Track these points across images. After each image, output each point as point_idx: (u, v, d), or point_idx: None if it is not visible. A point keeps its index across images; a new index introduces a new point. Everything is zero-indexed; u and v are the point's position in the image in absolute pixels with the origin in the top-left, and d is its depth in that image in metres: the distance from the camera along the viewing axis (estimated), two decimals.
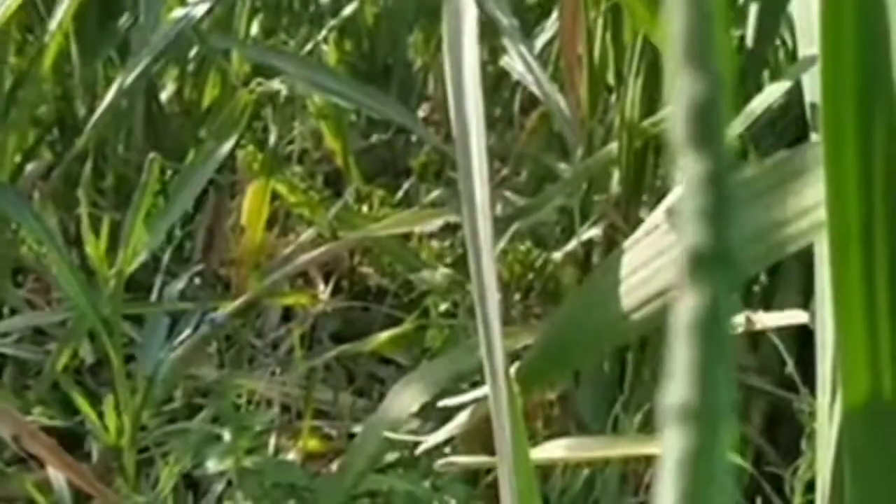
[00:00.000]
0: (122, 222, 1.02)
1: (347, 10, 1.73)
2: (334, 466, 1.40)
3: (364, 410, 1.49)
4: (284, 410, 1.51)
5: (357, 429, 1.33)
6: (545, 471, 1.25)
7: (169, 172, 1.65)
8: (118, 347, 1.02)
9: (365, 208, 1.64)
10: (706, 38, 0.24)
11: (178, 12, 1.35)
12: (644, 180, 1.35)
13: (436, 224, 1.29)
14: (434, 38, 1.91)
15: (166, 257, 1.44)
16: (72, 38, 1.48)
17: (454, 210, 1.32)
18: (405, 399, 1.16)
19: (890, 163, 0.40)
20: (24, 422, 0.99)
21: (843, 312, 0.42)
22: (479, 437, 1.44)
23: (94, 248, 0.99)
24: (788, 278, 1.45)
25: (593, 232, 1.38)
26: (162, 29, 1.36)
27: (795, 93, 1.45)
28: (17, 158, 1.47)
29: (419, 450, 0.72)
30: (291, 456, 1.41)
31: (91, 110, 1.43)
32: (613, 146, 1.34)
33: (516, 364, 0.62)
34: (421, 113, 1.92)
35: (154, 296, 1.30)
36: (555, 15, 1.62)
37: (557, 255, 1.40)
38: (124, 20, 1.53)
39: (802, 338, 1.44)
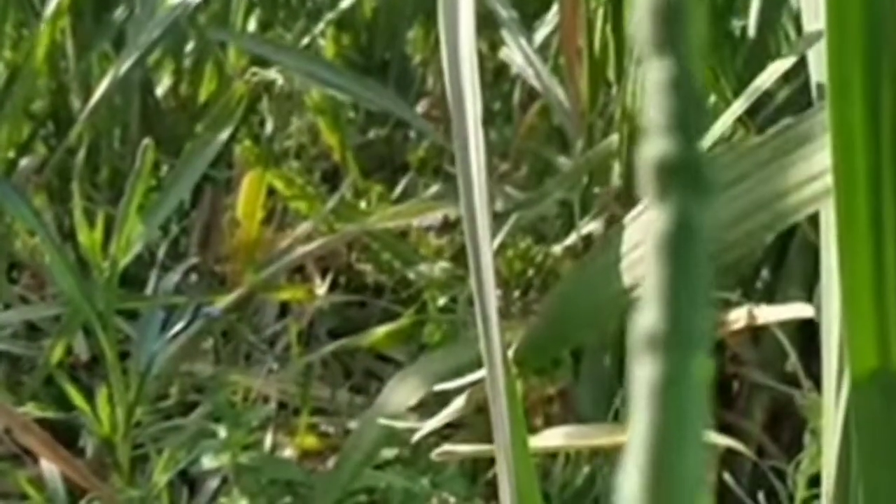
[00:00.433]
0: (116, 216, 1.01)
1: (345, 4, 1.72)
2: (331, 463, 1.39)
3: (361, 407, 1.48)
4: (281, 407, 1.49)
5: (354, 425, 1.32)
6: (545, 466, 1.23)
7: (165, 168, 1.64)
8: (112, 341, 1.00)
9: (363, 203, 1.62)
10: None
11: (175, 0, 1.34)
12: None
13: (434, 217, 1.27)
14: (433, 32, 1.89)
15: (161, 252, 1.42)
16: (67, 31, 1.47)
17: (453, 203, 1.31)
18: (402, 393, 1.15)
19: None
20: (17, 414, 0.98)
21: (850, 282, 0.41)
22: (480, 429, 1.43)
23: (87, 238, 0.97)
24: (791, 273, 1.43)
25: (593, 226, 1.37)
26: (158, 20, 1.35)
27: (799, 87, 1.44)
28: (11, 153, 1.46)
29: (415, 437, 0.71)
30: (288, 453, 1.40)
31: (86, 104, 1.41)
32: (614, 138, 1.32)
33: (514, 346, 0.60)
34: (420, 109, 1.90)
35: (149, 290, 1.28)
36: (555, 7, 1.60)
37: (557, 249, 1.38)
38: (119, 12, 1.51)
39: (805, 333, 1.42)
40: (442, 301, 1.35)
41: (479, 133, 0.71)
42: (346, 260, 1.72)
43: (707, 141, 0.67)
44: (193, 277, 1.44)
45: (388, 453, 1.34)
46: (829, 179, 0.41)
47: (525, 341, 0.58)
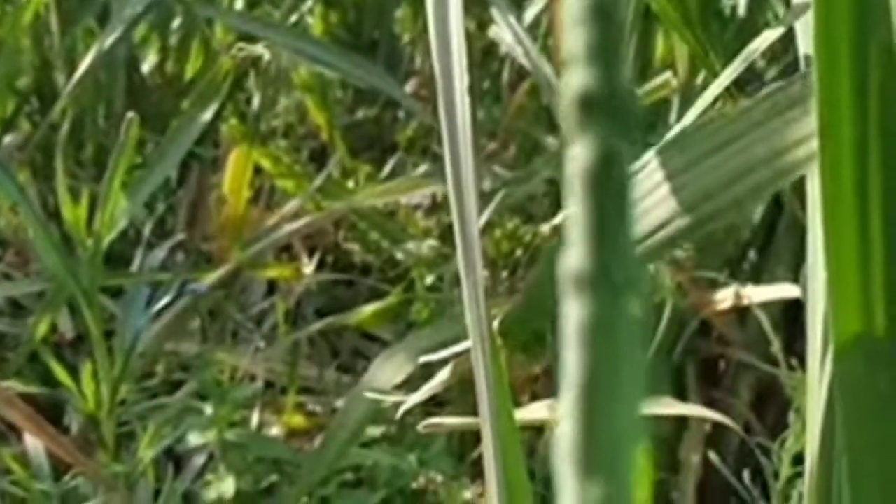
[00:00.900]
0: (100, 192, 1.00)
1: None
2: (318, 442, 1.38)
3: (349, 386, 1.47)
4: (268, 386, 1.49)
5: (341, 404, 1.31)
6: (531, 443, 1.23)
7: (150, 146, 1.63)
8: (97, 317, 1.00)
9: (350, 183, 1.61)
10: None
11: None
12: None
13: (422, 196, 1.27)
14: (422, 11, 1.88)
15: (147, 230, 1.42)
16: (51, 5, 1.46)
17: (441, 182, 1.30)
18: (389, 371, 1.14)
19: (885, 87, 0.39)
20: (1, 388, 0.97)
21: (835, 250, 0.41)
22: (466, 406, 1.43)
23: (71, 213, 0.97)
24: (779, 255, 1.43)
25: None
26: None
27: (788, 65, 1.43)
28: None
29: (401, 410, 0.71)
30: (275, 431, 1.39)
31: (70, 80, 1.40)
32: None
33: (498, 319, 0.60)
34: (408, 89, 1.90)
35: (135, 268, 1.28)
36: None
37: (545, 228, 1.38)
38: None
39: (790, 314, 1.42)
40: (429, 280, 1.34)
41: (467, 112, 0.71)
42: (334, 239, 1.71)
43: (695, 113, 0.67)
44: (180, 256, 1.43)
45: (375, 431, 1.34)
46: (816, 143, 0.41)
47: (510, 313, 0.58)
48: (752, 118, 0.44)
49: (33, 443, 1.03)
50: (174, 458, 1.28)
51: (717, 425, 1.29)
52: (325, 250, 1.66)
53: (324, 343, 1.57)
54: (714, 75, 0.78)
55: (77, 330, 1.27)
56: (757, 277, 1.41)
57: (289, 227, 1.27)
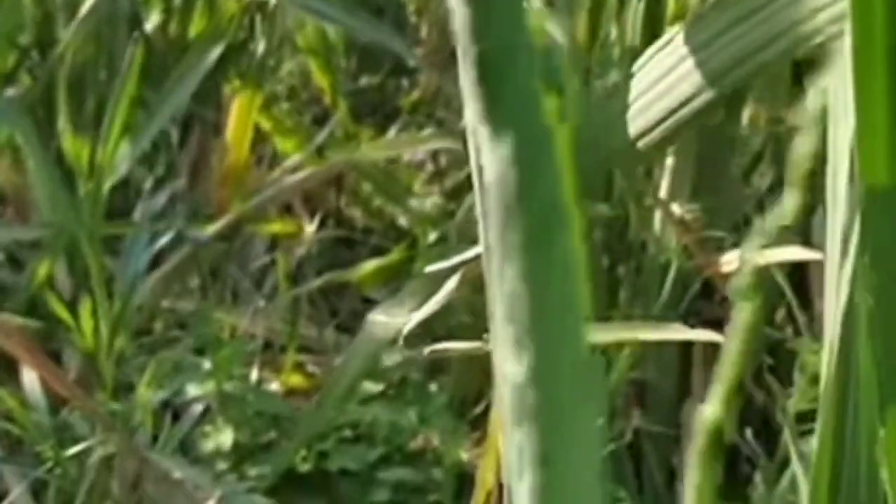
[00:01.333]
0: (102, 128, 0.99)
1: None
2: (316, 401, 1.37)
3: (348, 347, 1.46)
4: (267, 347, 1.47)
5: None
6: None
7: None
8: (97, 252, 0.98)
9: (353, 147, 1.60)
10: None
11: None
12: None
13: (425, 151, 1.25)
14: None
15: (148, 185, 1.41)
16: None
17: (444, 138, 1.29)
18: (395, 315, 1.13)
19: None
20: (0, 319, 0.96)
21: (864, 100, 0.39)
22: (465, 372, 1.42)
23: (72, 145, 0.95)
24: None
25: None
26: None
27: None
28: None
29: (406, 328, 0.69)
30: (273, 387, 1.38)
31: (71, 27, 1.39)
32: (613, 76, 1.30)
33: None
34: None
35: (136, 217, 1.26)
36: None
37: None
38: None
39: (796, 278, 1.41)
40: (433, 237, 1.33)
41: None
42: (336, 204, 1.70)
43: None
44: (181, 208, 1.42)
45: (373, 388, 1.33)
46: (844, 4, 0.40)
47: None
48: None
49: (30, 378, 1.02)
50: (173, 410, 1.27)
51: None
52: (326, 213, 1.64)
53: (324, 304, 1.56)
54: None
55: (75, 281, 1.25)
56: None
57: (290, 179, 1.26)
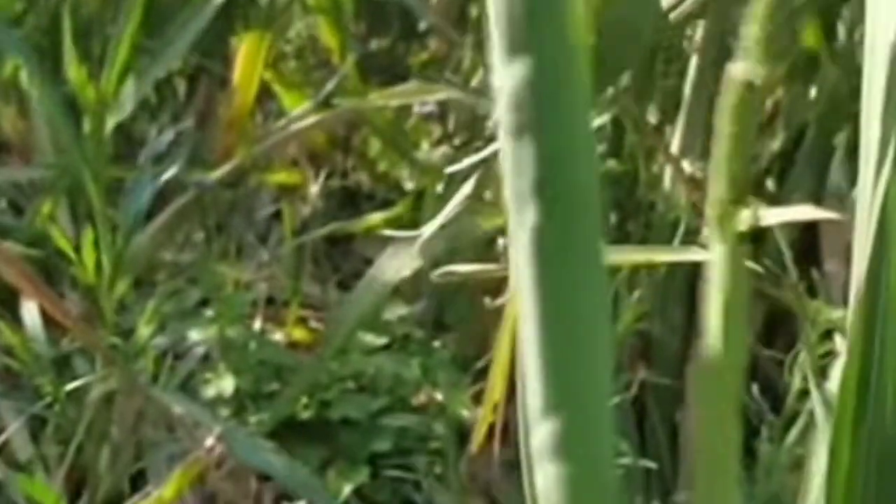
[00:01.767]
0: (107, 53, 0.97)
1: None
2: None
3: None
4: (270, 303, 1.46)
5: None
6: None
7: None
8: (99, 188, 0.97)
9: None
10: None
11: None
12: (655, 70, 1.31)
13: (435, 98, 1.24)
14: None
15: (154, 131, 1.39)
16: None
17: (453, 87, 1.28)
18: (396, 264, 1.12)
19: None
20: (1, 247, 0.94)
21: None
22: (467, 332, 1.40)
23: (76, 71, 0.94)
24: (797, 184, 1.40)
25: (597, 122, 1.34)
26: None
27: None
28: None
29: (419, 241, 0.68)
30: (277, 337, 1.36)
31: None
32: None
33: None
34: (422, 25, 1.87)
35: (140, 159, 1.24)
36: None
37: None
38: None
39: (805, 244, 1.40)
40: (440, 187, 1.32)
41: None
42: (342, 166, 1.68)
43: None
44: (185, 152, 1.40)
45: (377, 341, 1.31)
46: None
47: None
48: None
49: (30, 311, 1.00)
50: (174, 356, 1.26)
51: None
52: (331, 175, 1.63)
53: (327, 263, 1.55)
54: None
55: (77, 222, 1.24)
56: (774, 205, 1.38)
57: (296, 127, 1.25)
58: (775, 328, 1.38)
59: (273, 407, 1.20)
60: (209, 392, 1.21)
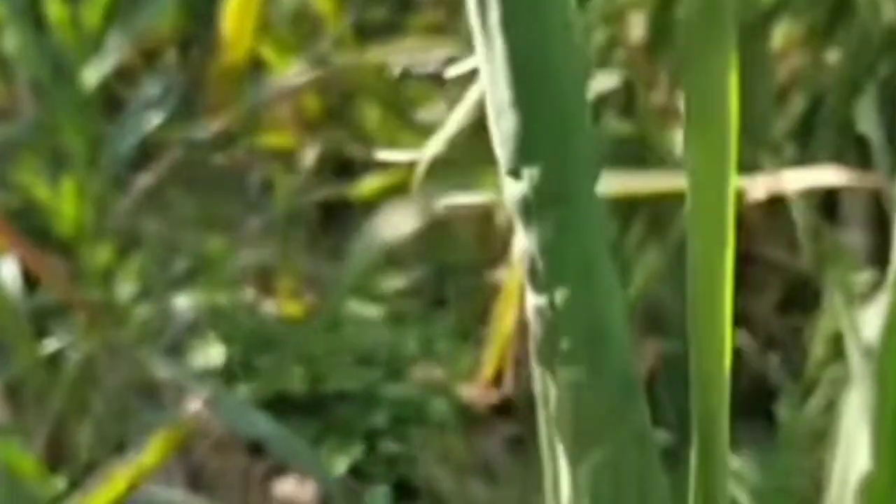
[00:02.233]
0: None
1: None
2: None
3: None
4: (262, 275, 1.40)
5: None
6: None
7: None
8: (82, 134, 0.91)
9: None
10: None
11: None
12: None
13: (435, 57, 1.18)
14: None
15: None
16: None
17: (454, 41, 1.22)
18: (397, 219, 1.06)
19: None
20: None
21: None
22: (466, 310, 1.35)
23: (57, 8, 0.88)
24: (817, 150, 1.35)
25: (608, 83, 1.28)
26: None
27: None
28: None
29: (418, 172, 0.63)
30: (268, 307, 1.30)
31: None
32: None
33: None
34: None
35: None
36: None
37: None
38: None
39: (825, 212, 1.34)
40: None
41: None
42: (338, 146, 1.63)
43: None
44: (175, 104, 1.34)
45: (373, 312, 1.26)
46: None
47: None
48: None
49: (9, 268, 0.94)
50: (161, 323, 1.19)
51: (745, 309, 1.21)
52: (325, 144, 1.57)
53: (321, 235, 1.49)
54: None
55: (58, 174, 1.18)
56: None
57: (291, 82, 1.19)
58: (793, 300, 1.32)
59: (264, 377, 1.14)
60: (197, 361, 1.15)
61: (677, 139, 1.25)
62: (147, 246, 1.15)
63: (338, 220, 1.50)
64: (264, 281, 1.39)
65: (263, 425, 0.98)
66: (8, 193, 1.15)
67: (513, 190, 0.39)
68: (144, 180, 1.16)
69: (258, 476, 1.15)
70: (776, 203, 1.32)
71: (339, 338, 1.21)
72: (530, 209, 0.39)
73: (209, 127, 1.18)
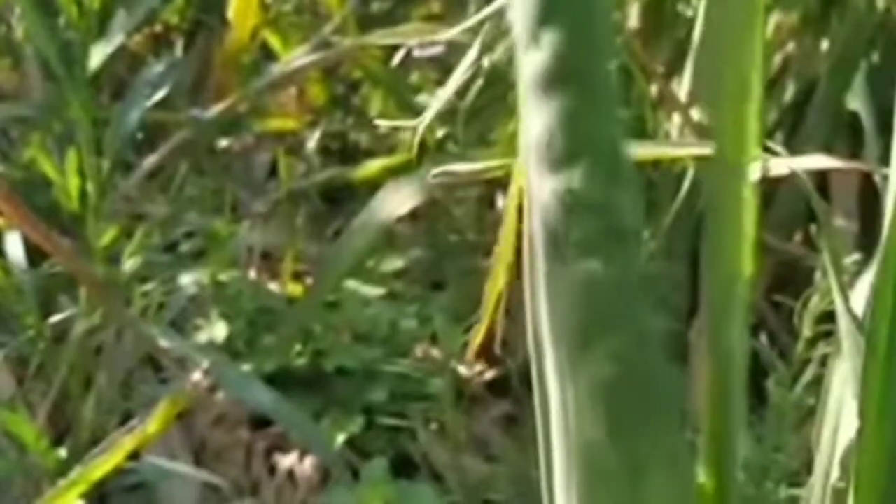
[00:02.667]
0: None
1: None
2: None
3: None
4: (266, 257, 1.43)
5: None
6: None
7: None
8: (87, 110, 0.93)
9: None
10: None
11: None
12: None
13: (439, 39, 1.20)
14: None
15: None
16: None
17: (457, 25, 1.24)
18: (395, 200, 1.08)
19: None
20: None
21: None
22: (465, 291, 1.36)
23: None
24: (809, 137, 1.37)
25: None
26: None
27: None
28: None
29: (419, 130, 0.65)
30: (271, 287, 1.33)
31: None
32: None
33: None
34: None
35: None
36: None
37: None
38: None
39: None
40: (441, 133, 1.28)
41: None
42: (341, 130, 1.65)
43: None
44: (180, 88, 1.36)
45: (373, 291, 1.28)
46: None
47: None
48: None
49: (13, 241, 0.97)
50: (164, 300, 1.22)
51: None
52: (329, 130, 1.59)
53: (324, 219, 1.51)
54: None
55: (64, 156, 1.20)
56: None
57: (296, 63, 1.21)
58: (782, 284, 1.34)
59: (266, 353, 1.17)
60: (200, 338, 1.17)
61: (673, 125, 1.27)
62: (152, 224, 1.17)
63: (340, 202, 1.52)
64: (268, 262, 1.41)
65: (265, 396, 1.01)
66: (16, 171, 1.18)
67: (532, 60, 0.37)
68: (150, 161, 1.18)
69: (260, 451, 1.17)
70: (767, 188, 1.35)
71: (339, 316, 1.24)
72: (552, 77, 0.37)
73: (215, 110, 1.20)
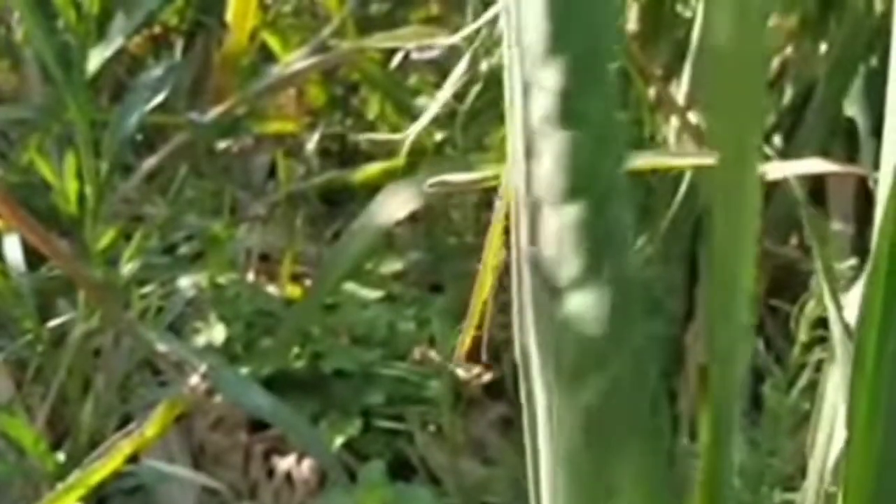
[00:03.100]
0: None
1: None
2: None
3: None
4: (264, 260, 1.43)
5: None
6: None
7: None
8: (85, 112, 0.94)
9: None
10: None
11: None
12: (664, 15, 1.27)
13: (437, 42, 1.21)
14: None
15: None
16: None
17: (454, 29, 1.24)
18: (393, 204, 1.09)
19: None
20: None
21: None
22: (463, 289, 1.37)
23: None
24: (806, 140, 1.37)
25: None
26: None
27: None
28: None
29: (412, 132, 0.65)
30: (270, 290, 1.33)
31: None
32: None
33: None
34: None
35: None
36: None
37: None
38: None
39: (811, 201, 1.36)
40: (439, 136, 1.29)
41: None
42: (340, 127, 1.65)
43: None
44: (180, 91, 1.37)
45: (371, 294, 1.28)
46: None
47: None
48: None
49: (12, 244, 0.97)
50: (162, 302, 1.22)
51: None
52: (328, 132, 1.60)
53: (323, 223, 1.52)
54: None
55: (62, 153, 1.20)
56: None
57: (295, 67, 1.21)
58: (779, 288, 1.35)
59: (265, 356, 1.17)
60: (198, 341, 1.17)
61: (671, 128, 1.28)
62: (151, 226, 1.17)
63: (339, 205, 1.53)
64: (266, 264, 1.41)
65: (263, 400, 1.01)
66: (14, 173, 1.18)
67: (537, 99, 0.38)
68: (149, 163, 1.18)
69: (258, 454, 1.18)
70: (763, 191, 1.35)
71: (337, 318, 1.24)
72: (556, 115, 0.37)
73: (214, 112, 1.20)
